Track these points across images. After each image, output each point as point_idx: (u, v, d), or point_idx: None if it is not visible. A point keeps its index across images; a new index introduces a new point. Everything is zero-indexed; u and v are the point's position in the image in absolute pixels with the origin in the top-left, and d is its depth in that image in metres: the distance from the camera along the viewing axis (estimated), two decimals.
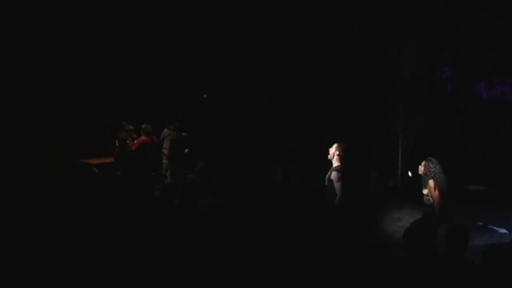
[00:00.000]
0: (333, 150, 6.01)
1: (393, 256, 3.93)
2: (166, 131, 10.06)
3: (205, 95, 12.75)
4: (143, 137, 9.63)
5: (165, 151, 9.73)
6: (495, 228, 7.79)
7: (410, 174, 6.21)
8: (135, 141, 9.69)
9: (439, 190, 5.99)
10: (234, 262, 3.97)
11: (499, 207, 8.61)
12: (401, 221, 7.78)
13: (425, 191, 6.15)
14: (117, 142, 9.81)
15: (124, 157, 9.56)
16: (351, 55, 11.30)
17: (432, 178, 6.01)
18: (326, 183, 5.94)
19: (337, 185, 5.79)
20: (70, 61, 11.23)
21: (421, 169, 6.20)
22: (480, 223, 7.93)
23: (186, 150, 9.45)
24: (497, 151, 10.32)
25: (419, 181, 6.25)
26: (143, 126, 9.62)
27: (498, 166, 10.17)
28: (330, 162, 6.08)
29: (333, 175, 5.85)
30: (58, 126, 10.75)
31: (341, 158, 5.94)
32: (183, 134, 9.49)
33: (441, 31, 11.06)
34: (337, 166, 5.93)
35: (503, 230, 7.70)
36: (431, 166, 6.07)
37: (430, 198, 6.08)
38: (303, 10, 10.58)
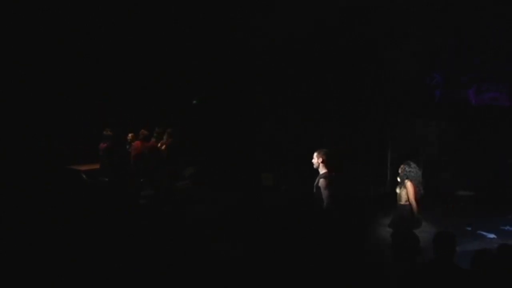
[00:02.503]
0: (315, 159, 5.97)
1: (381, 261, 3.94)
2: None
3: (194, 101, 12.74)
4: (137, 142, 9.66)
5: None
6: (483, 233, 7.81)
7: (399, 179, 6.31)
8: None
9: (415, 192, 6.13)
10: (230, 264, 3.99)
11: (487, 212, 8.70)
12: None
13: (398, 190, 6.29)
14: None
15: (112, 163, 9.54)
16: (351, 55, 11.27)
17: (408, 179, 6.16)
18: (314, 190, 5.89)
19: (324, 192, 5.73)
20: (70, 61, 11.25)
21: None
22: (469, 228, 7.98)
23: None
24: (486, 157, 10.32)
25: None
26: (140, 132, 9.67)
27: (486, 171, 10.19)
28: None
29: (321, 182, 5.80)
30: (58, 126, 10.78)
31: (326, 164, 5.90)
32: (173, 139, 9.53)
33: (441, 31, 11.00)
34: (324, 173, 5.88)
35: (492, 235, 7.72)
36: (407, 169, 6.23)
37: (401, 198, 6.20)
38: (302, 10, 10.55)
